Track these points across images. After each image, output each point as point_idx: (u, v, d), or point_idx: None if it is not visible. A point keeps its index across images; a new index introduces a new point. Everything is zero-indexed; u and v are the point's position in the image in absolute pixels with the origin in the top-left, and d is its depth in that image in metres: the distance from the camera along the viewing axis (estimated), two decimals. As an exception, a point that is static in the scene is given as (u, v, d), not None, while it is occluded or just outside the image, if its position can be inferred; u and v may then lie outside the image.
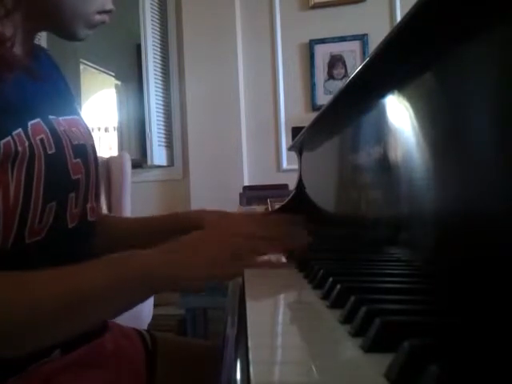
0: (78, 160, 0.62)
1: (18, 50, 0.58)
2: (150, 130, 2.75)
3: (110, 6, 0.63)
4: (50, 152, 0.56)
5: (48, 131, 0.57)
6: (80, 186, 0.62)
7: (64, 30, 0.62)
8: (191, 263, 0.53)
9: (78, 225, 0.62)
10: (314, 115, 0.86)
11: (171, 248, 0.55)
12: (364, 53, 2.56)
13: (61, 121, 0.62)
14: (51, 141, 0.57)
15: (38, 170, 0.54)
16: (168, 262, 0.52)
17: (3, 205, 0.51)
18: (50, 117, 0.60)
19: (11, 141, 0.51)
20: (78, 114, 0.69)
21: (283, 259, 0.64)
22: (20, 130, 0.53)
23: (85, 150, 0.65)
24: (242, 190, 2.49)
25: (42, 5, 0.58)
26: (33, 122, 0.55)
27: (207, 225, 0.72)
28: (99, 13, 0.62)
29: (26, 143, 0.53)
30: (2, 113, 0.52)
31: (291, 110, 2.69)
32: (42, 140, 0.56)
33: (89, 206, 0.65)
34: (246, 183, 2.66)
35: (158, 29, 2.83)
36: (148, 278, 0.50)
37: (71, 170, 0.60)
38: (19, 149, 0.52)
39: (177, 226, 0.78)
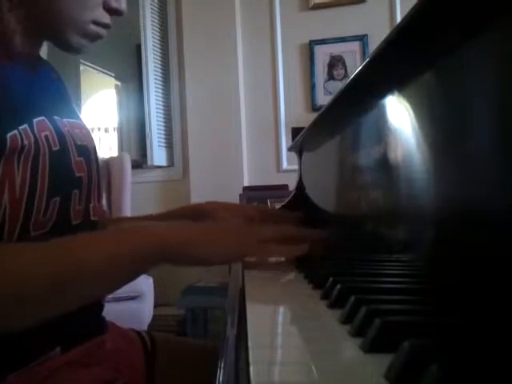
0: (81, 159, 0.64)
1: (20, 47, 0.60)
2: (150, 131, 2.75)
3: (107, 20, 0.63)
4: (54, 149, 0.58)
5: (52, 129, 0.59)
6: (83, 183, 0.64)
7: (60, 36, 0.63)
8: (215, 238, 0.55)
9: (81, 223, 0.63)
10: (314, 116, 0.86)
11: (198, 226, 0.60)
12: (364, 53, 2.56)
13: (64, 122, 0.64)
14: (55, 138, 0.59)
15: (43, 165, 0.56)
16: (185, 233, 0.54)
17: (9, 197, 0.53)
18: (55, 117, 0.62)
19: (17, 134, 0.54)
20: (80, 119, 0.71)
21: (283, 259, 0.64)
22: (26, 125, 0.55)
23: (87, 151, 0.67)
24: (242, 191, 2.49)
25: (42, 5, 0.60)
26: (37, 119, 0.58)
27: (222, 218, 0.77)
28: (95, 23, 0.62)
29: (32, 138, 0.55)
30: (8, 108, 0.54)
31: (291, 110, 2.69)
32: (46, 136, 0.58)
33: (91, 205, 0.67)
34: (246, 184, 2.66)
35: (157, 29, 2.83)
36: (161, 247, 0.51)
37: (75, 167, 0.62)
38: (25, 142, 0.54)
39: (193, 215, 0.79)
